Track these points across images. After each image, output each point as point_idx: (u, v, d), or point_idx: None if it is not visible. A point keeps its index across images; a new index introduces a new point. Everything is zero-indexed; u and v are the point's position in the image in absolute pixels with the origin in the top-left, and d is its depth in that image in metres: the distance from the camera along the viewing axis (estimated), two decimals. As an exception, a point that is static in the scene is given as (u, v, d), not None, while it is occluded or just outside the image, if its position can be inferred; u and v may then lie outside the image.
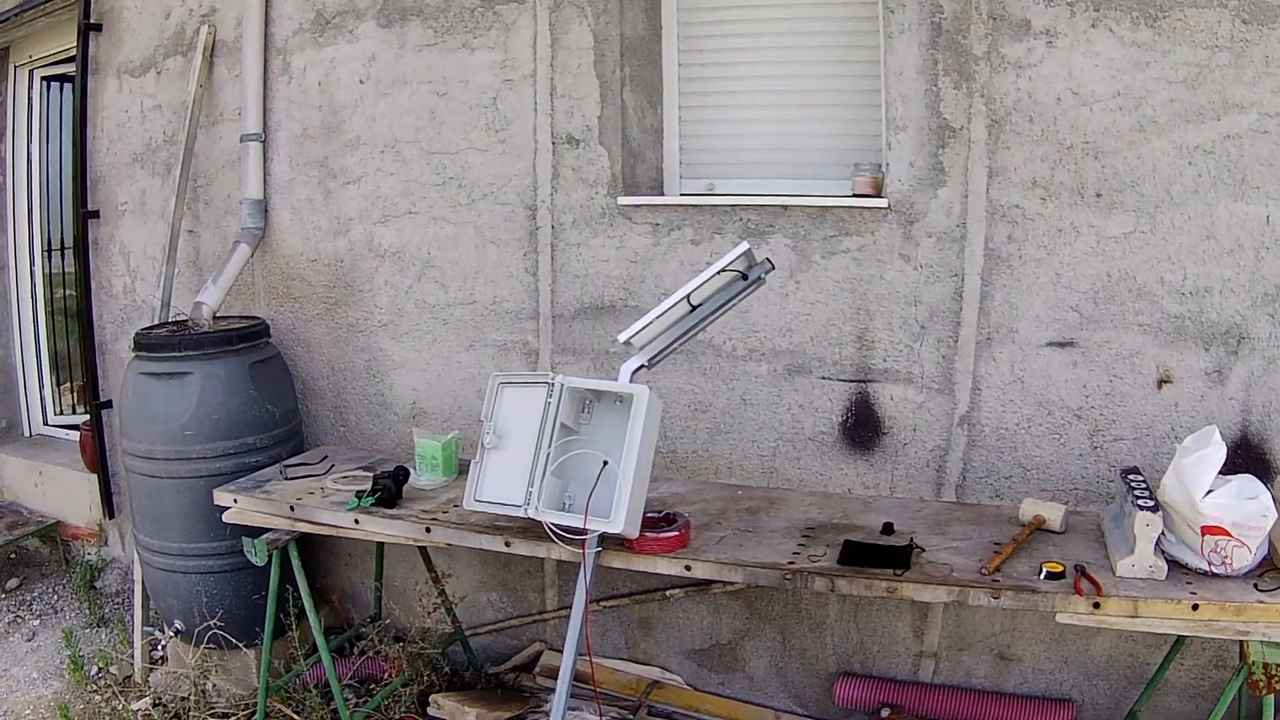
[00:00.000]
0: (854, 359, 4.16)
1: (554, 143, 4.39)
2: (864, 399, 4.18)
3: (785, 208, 4.12)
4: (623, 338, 3.39)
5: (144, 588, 5.31)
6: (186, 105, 5.37)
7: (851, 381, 4.18)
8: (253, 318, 5.16)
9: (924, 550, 3.44)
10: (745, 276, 3.48)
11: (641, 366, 3.46)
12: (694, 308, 3.48)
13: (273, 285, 5.34)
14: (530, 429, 3.52)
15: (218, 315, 5.10)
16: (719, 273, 3.41)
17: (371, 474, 4.21)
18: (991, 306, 3.97)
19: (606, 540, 3.41)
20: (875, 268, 4.08)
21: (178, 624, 4.83)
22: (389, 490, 4.07)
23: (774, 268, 3.53)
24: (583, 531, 3.34)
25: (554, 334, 4.56)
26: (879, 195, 4.15)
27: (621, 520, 3.27)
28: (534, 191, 4.47)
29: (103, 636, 5.62)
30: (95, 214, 6.06)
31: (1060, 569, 3.04)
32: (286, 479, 4.52)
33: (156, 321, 5.22)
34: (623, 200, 4.30)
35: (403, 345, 4.95)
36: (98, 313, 6.15)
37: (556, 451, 3.43)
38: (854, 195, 4.18)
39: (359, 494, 4.11)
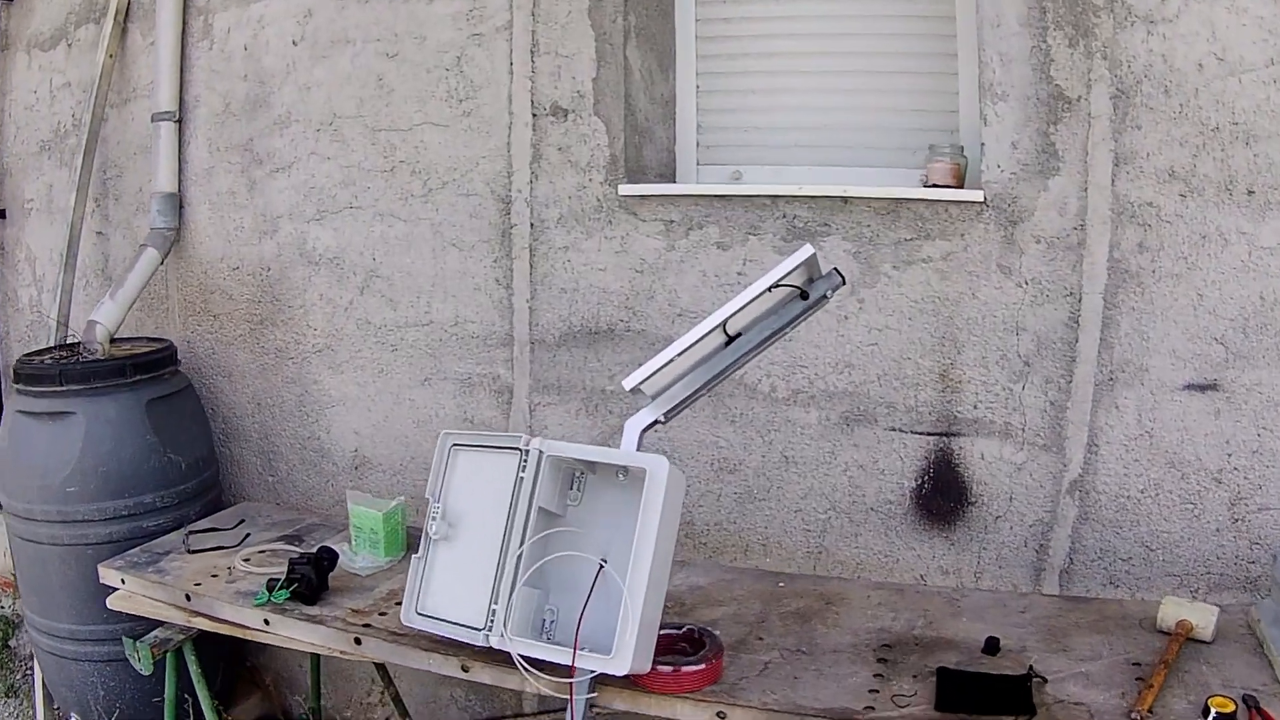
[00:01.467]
0: (935, 405, 2.93)
1: (534, 115, 3.16)
2: (946, 458, 2.96)
3: (845, 201, 2.89)
4: (629, 384, 2.16)
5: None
6: (94, 81, 4.12)
7: (931, 435, 2.95)
8: (159, 341, 3.89)
9: (1045, 680, 2.25)
10: (804, 294, 2.26)
11: (655, 423, 2.23)
12: (731, 339, 2.26)
13: (189, 299, 4.08)
14: (496, 514, 2.30)
15: (117, 337, 3.84)
16: (769, 289, 2.18)
17: (296, 547, 2.99)
18: (1116, 336, 2.78)
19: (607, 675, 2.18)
20: (965, 283, 2.87)
21: (74, 717, 3.75)
22: (308, 581, 2.85)
23: (844, 282, 2.31)
24: (570, 668, 2.10)
25: (533, 366, 3.31)
26: (961, 186, 2.95)
27: (628, 659, 2.04)
28: (508, 178, 3.23)
29: (9, 709, 4.37)
30: (1, 213, 4.78)
31: (1231, 708, 2.11)
32: (190, 550, 3.30)
33: (52, 343, 3.95)
34: (625, 189, 3.06)
35: (342, 377, 3.69)
36: (3, 330, 4.87)
37: (533, 549, 2.19)
38: (931, 187, 2.96)
39: (271, 584, 2.88)
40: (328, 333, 3.70)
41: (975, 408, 2.93)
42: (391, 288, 3.51)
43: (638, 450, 2.28)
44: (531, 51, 3.14)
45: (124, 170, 4.18)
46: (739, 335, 2.28)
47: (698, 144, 3.33)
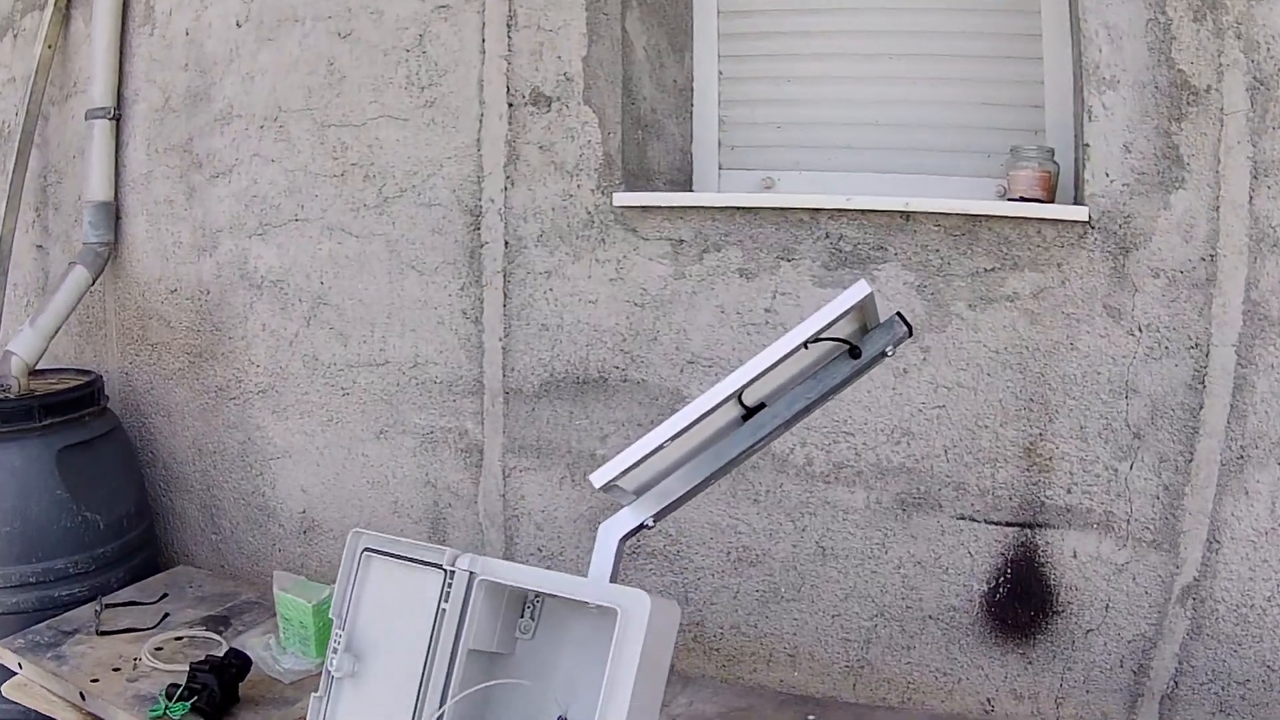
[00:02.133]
0: (1016, 487, 2.16)
1: (511, 104, 2.43)
2: (1027, 555, 2.19)
3: (907, 218, 2.13)
4: (599, 480, 1.47)
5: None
6: (29, 75, 3.46)
7: (1010, 525, 2.18)
8: (86, 375, 3.19)
9: None
10: (856, 351, 1.54)
11: (641, 527, 1.51)
12: (750, 412, 1.54)
13: (127, 325, 3.40)
14: (414, 651, 1.57)
15: (42, 369, 3.18)
16: (805, 345, 1.45)
17: (219, 635, 2.37)
18: (1251, 402, 2.05)
19: None
20: (1062, 328, 2.11)
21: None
22: (210, 694, 2.19)
23: (911, 333, 1.56)
24: None
25: (507, 421, 2.56)
26: (1051, 200, 2.20)
27: None
28: (477, 184, 2.50)
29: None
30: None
31: None
32: (99, 631, 2.64)
33: None
34: (622, 199, 2.31)
35: (287, 424, 2.98)
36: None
37: (466, 702, 1.47)
38: (1015, 200, 2.20)
39: (170, 690, 2.22)
40: (271, 370, 2.99)
41: (1069, 492, 2.15)
42: (341, 318, 2.79)
43: (614, 568, 1.55)
44: (508, 24, 2.41)
45: (64, 175, 3.51)
46: (760, 407, 1.54)
47: (719, 143, 2.58)
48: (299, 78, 2.80)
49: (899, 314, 1.49)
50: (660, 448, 1.44)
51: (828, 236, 2.12)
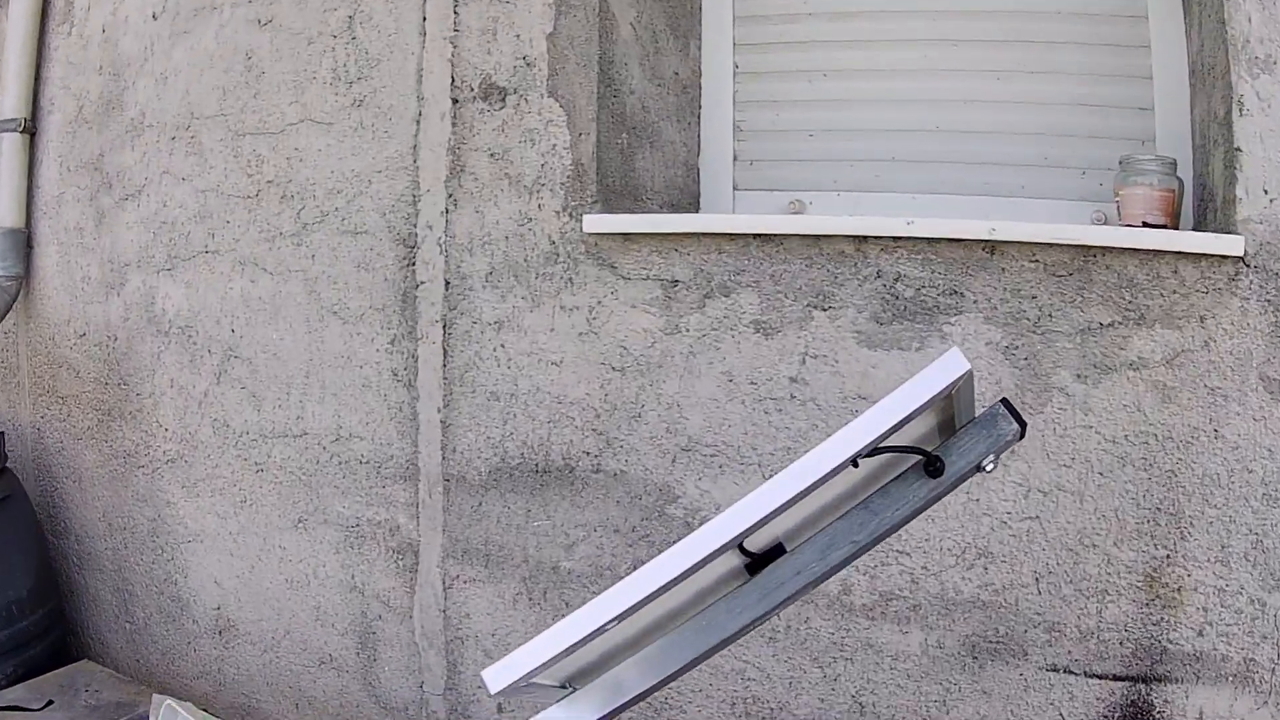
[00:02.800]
0: (1131, 627, 1.45)
1: (455, 99, 1.77)
2: (1138, 718, 1.47)
3: (992, 249, 1.43)
4: (494, 684, 0.86)
5: None
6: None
7: (1119, 680, 1.46)
8: (-37, 433, 2.57)
9: None
10: (936, 465, 0.89)
11: None
12: (758, 561, 0.86)
13: (39, 373, 2.79)
14: None
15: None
16: (861, 459, 0.77)
17: None
18: None
19: None
20: (1203, 408, 1.41)
21: None
22: None
23: (1023, 434, 0.86)
24: None
25: (447, 516, 1.87)
26: (1175, 226, 1.51)
27: None
28: (413, 205, 1.84)
29: None
30: None
31: None
32: None
33: None
34: (596, 223, 1.62)
35: (198, 501, 2.33)
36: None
37: None
38: (1131, 226, 1.51)
39: None
40: (180, 435, 2.35)
41: (1200, 634, 1.44)
42: (254, 375, 2.14)
43: None
44: (455, 1, 1.77)
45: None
46: (777, 552, 0.90)
47: (735, 156, 1.91)
48: (214, 76, 2.19)
49: (1005, 403, 0.86)
50: (600, 630, 0.80)
51: (879, 276, 1.42)
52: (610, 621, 0.82)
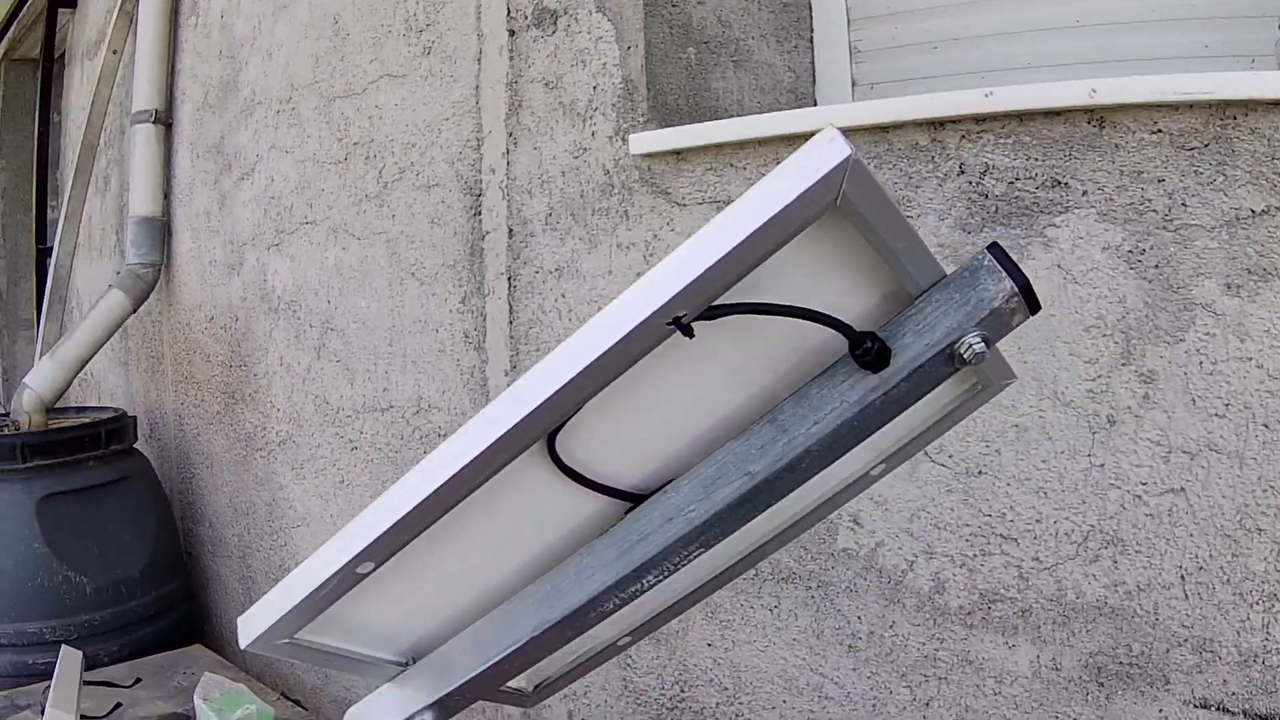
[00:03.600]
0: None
1: (512, 31, 1.71)
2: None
3: (1100, 121, 1.15)
4: (245, 634, 0.72)
5: None
6: (84, 78, 3.22)
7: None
8: (109, 412, 2.80)
9: None
10: (871, 351, 0.66)
11: None
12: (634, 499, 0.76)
13: (178, 359, 3.01)
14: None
15: (80, 407, 2.84)
16: (685, 321, 0.63)
17: None
18: None
19: None
20: None
21: None
22: None
23: (1034, 307, 0.69)
24: None
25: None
26: None
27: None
28: (477, 150, 1.79)
29: None
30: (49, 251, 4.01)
31: None
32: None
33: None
34: (643, 142, 1.48)
35: (304, 483, 2.40)
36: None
37: None
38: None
39: None
40: (289, 415, 2.43)
41: None
42: (347, 347, 2.17)
43: None
44: (515, -77, 1.71)
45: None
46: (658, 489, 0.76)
47: (854, 82, 1.72)
48: (308, 45, 2.26)
49: (994, 250, 0.64)
50: (355, 573, 0.69)
51: (962, 171, 1.19)
52: (361, 561, 0.68)
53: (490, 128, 1.74)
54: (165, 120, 2.94)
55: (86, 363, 2.79)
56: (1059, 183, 1.13)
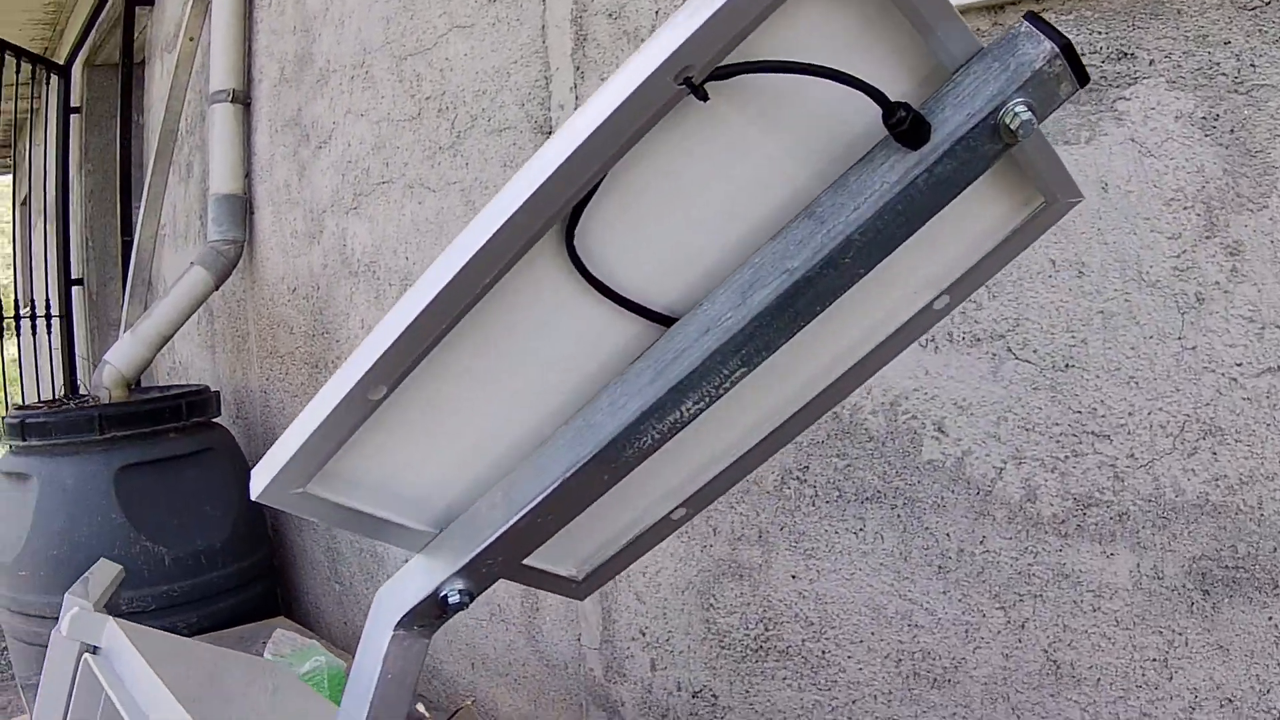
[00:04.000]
0: None
1: (580, -36, 1.72)
2: None
3: None
4: (257, 483, 0.74)
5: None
6: (164, 72, 3.35)
7: None
8: (191, 390, 2.90)
9: None
10: (906, 122, 0.65)
11: (445, 606, 0.75)
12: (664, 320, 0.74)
13: (262, 335, 3.11)
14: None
15: (164, 384, 2.96)
16: (695, 81, 0.62)
17: None
18: None
19: None
20: None
21: None
22: None
23: (1082, 79, 0.67)
24: None
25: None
26: None
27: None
28: (546, 89, 1.82)
29: None
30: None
31: None
32: None
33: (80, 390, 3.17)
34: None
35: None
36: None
37: None
38: None
39: None
40: (366, 378, 2.49)
41: None
42: (421, 303, 2.21)
43: (388, 680, 0.81)
44: None
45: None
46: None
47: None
48: (379, 9, 2.32)
49: (1031, 18, 0.63)
50: (371, 398, 0.66)
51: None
52: (372, 384, 0.64)
53: (558, 65, 1.76)
54: (243, 99, 3.06)
55: (168, 339, 2.91)
56: (1125, 54, 1.09)
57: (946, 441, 1.29)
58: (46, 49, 5.77)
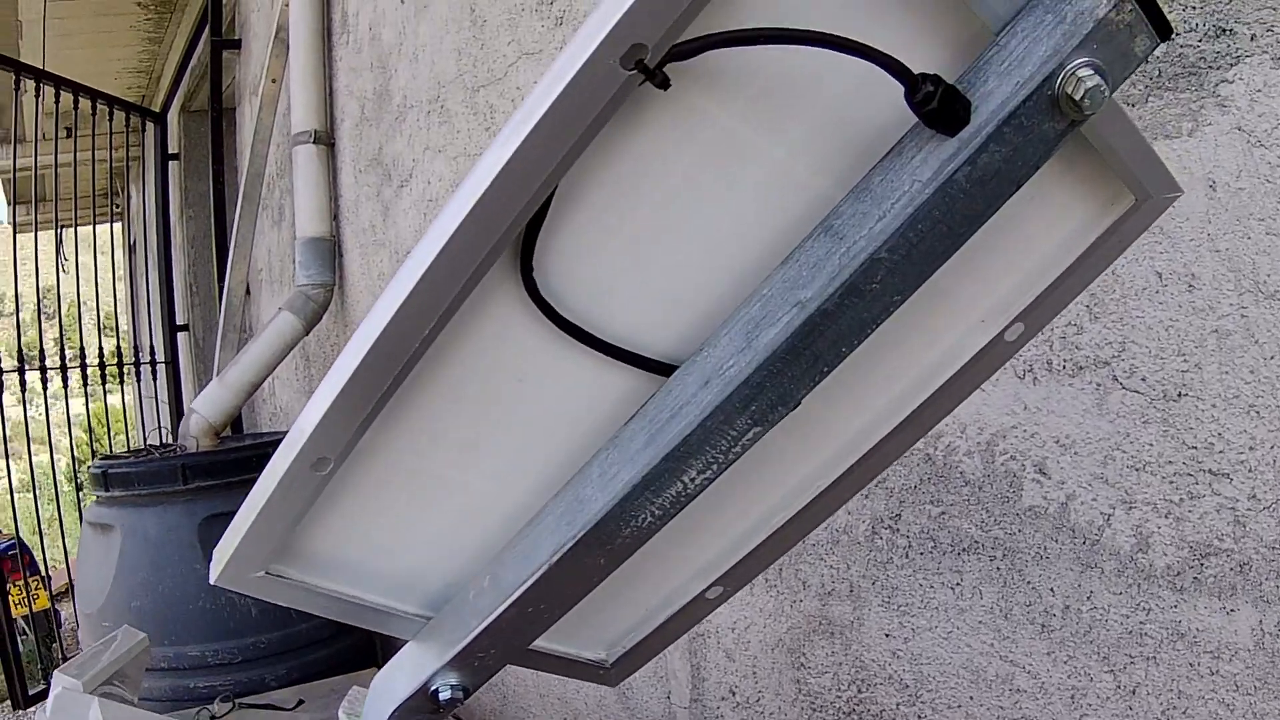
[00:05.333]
0: None
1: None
2: None
3: None
4: (215, 567, 0.74)
5: None
6: (253, 115, 3.54)
7: None
8: (278, 437, 3.02)
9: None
10: (938, 98, 0.55)
11: (437, 703, 0.76)
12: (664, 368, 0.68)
13: (352, 382, 3.22)
14: None
15: (248, 431, 3.11)
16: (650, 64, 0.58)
17: None
18: None
19: None
20: None
21: None
22: None
23: (1165, 32, 0.59)
24: None
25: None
26: None
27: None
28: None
29: None
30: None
31: None
32: None
33: (164, 439, 3.35)
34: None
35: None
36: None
37: None
38: None
39: None
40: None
41: None
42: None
43: None
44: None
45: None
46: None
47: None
48: (450, 40, 2.40)
49: None
50: (321, 471, 0.66)
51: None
52: (314, 453, 0.60)
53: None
54: (326, 140, 3.20)
55: (257, 386, 3.06)
56: (1223, 30, 1.04)
57: (1048, 484, 1.24)
58: (144, 97, 6.17)
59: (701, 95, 0.55)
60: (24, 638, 4.52)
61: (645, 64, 0.49)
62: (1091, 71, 0.52)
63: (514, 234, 0.55)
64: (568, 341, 0.62)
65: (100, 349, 4.42)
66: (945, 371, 0.73)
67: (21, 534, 4.40)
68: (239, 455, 2.76)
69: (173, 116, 5.47)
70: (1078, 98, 0.52)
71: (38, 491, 5.22)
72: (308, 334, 3.15)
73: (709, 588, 0.80)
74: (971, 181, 0.53)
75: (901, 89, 0.54)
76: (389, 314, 0.58)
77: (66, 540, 4.59)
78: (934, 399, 0.74)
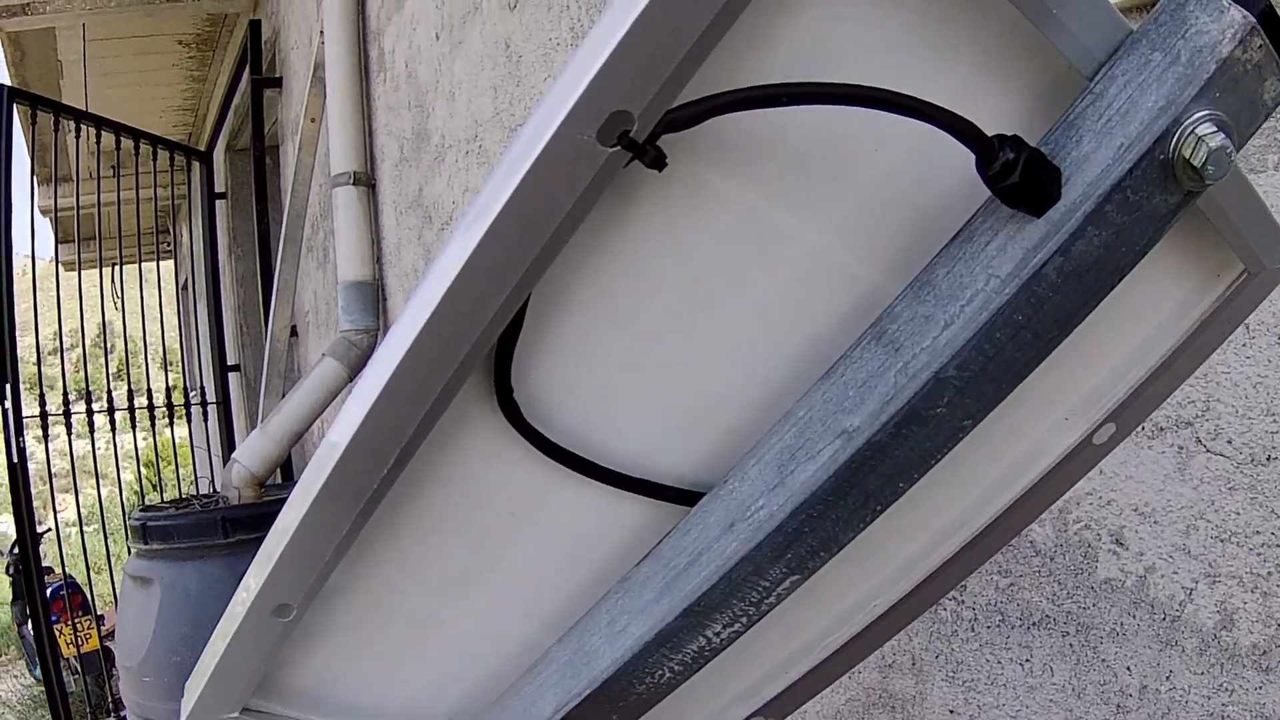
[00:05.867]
0: None
1: None
2: None
3: None
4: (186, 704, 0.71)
5: None
6: (295, 154, 3.58)
7: None
8: (325, 488, 3.03)
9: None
10: (1016, 167, 0.43)
11: None
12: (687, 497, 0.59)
13: (398, 427, 3.23)
14: None
15: (265, 483, 3.13)
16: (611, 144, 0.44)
17: None
18: None
19: None
20: None
21: None
22: None
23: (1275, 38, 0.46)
24: None
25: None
26: None
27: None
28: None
29: None
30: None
31: None
32: None
33: (207, 489, 3.38)
34: None
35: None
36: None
37: None
38: None
39: None
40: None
41: None
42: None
43: None
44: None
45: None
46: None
47: None
48: (485, 77, 2.40)
49: None
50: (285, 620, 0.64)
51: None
52: (272, 601, 0.58)
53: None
54: (366, 181, 3.22)
55: (300, 435, 3.06)
56: None
57: (1126, 556, 1.17)
58: (190, 135, 6.30)
59: (712, 169, 0.46)
60: (75, 676, 4.61)
61: (632, 138, 0.40)
62: (1214, 128, 0.41)
63: (483, 349, 0.46)
64: (563, 470, 0.56)
65: (159, 385, 4.49)
66: (1018, 483, 0.62)
67: (77, 570, 4.48)
68: (280, 509, 2.76)
69: (219, 155, 5.57)
70: (1197, 165, 0.42)
71: (84, 529, 5.32)
72: (351, 380, 3.16)
73: (751, 717, 0.71)
74: (1064, 275, 0.42)
75: (971, 156, 0.44)
76: (339, 449, 0.50)
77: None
78: (1005, 515, 0.64)
